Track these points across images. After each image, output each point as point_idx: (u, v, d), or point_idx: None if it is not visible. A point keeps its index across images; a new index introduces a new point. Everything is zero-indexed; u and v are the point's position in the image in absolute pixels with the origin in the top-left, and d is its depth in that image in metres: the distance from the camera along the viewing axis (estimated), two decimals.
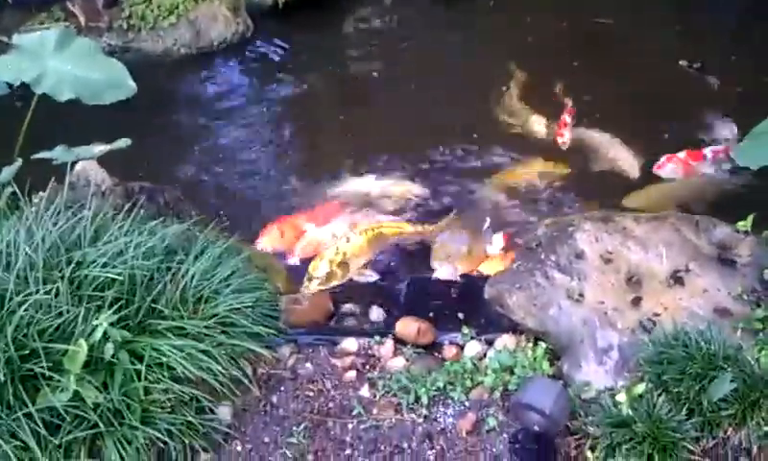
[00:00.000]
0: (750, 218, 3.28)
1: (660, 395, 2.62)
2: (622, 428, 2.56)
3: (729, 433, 2.59)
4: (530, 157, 4.53)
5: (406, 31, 5.67)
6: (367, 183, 4.37)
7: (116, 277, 2.76)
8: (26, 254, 2.74)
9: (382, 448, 2.85)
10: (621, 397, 2.61)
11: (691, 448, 2.54)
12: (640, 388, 2.63)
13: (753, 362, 2.66)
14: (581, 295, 3.10)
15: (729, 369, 2.59)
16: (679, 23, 5.63)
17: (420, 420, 2.93)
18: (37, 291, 2.64)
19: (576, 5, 5.78)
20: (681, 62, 5.19)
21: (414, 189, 4.36)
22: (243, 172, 4.61)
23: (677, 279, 3.13)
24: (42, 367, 2.51)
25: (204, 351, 2.80)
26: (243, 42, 5.54)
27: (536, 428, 2.65)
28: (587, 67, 5.18)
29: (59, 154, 3.19)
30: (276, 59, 5.53)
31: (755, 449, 2.59)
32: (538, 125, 4.76)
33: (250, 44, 5.57)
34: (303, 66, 5.40)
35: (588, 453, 2.67)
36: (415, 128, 4.77)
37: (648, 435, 2.52)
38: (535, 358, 3.04)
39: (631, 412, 2.56)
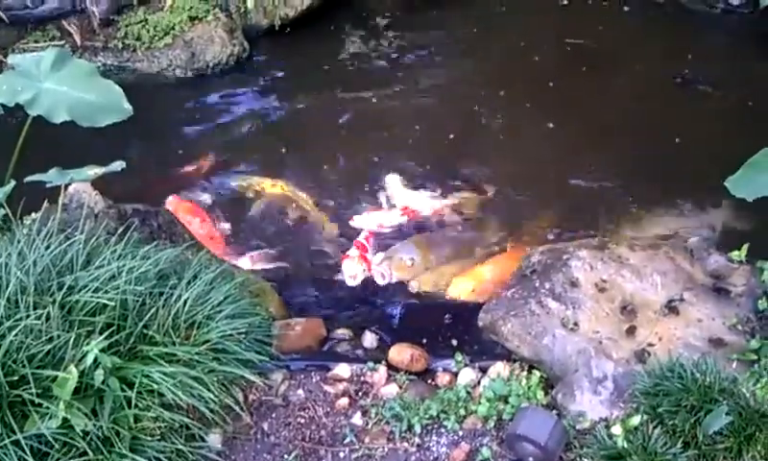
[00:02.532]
0: (744, 247, 3.29)
1: (655, 427, 2.60)
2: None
3: None
4: None
5: (402, 53, 5.68)
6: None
7: (108, 302, 2.73)
8: (17, 277, 2.71)
9: None
10: (617, 429, 2.60)
11: None
12: (636, 420, 2.62)
13: (748, 395, 2.64)
14: (575, 324, 3.08)
15: (724, 401, 2.58)
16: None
17: (413, 449, 2.90)
18: (28, 316, 2.60)
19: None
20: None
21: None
22: (237, 193, 4.59)
23: (671, 308, 3.13)
24: (31, 393, 2.47)
25: (195, 378, 2.76)
26: (239, 64, 5.54)
27: (531, 460, 2.63)
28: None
29: (52, 176, 3.16)
30: (272, 80, 5.54)
31: None
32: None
33: (246, 66, 5.57)
34: (300, 88, 5.40)
35: None
36: (409, 148, 4.77)
37: None
38: (529, 387, 3.02)
39: (626, 444, 2.55)
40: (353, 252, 4.13)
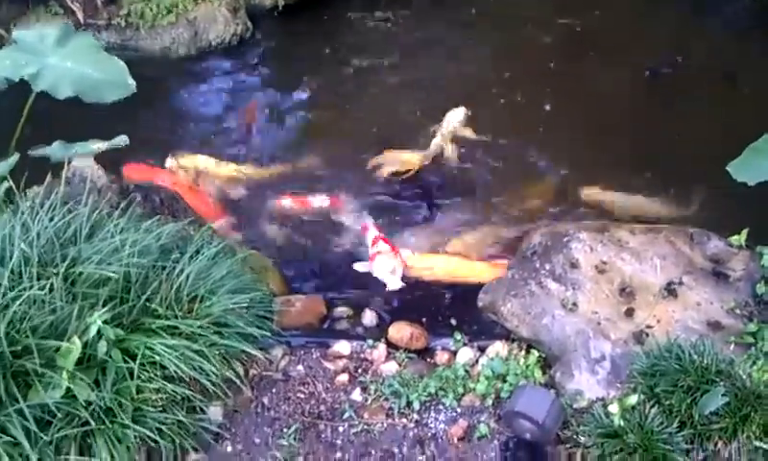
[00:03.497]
0: (744, 232, 3.31)
1: (651, 406, 2.63)
2: (614, 439, 2.57)
3: (719, 447, 2.60)
4: None
5: (404, 33, 5.67)
6: None
7: (111, 274, 2.75)
8: (21, 249, 2.72)
9: (373, 452, 2.86)
10: (613, 407, 2.62)
11: (682, 460, 2.55)
12: (632, 399, 2.64)
13: (745, 377, 2.67)
14: (575, 304, 3.11)
15: (721, 383, 2.60)
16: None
17: (412, 425, 2.93)
18: (32, 287, 2.62)
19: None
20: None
21: None
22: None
23: (670, 291, 3.15)
24: (35, 363, 2.50)
25: (197, 351, 2.79)
26: (242, 43, 5.53)
27: (528, 437, 2.66)
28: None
29: (56, 150, 3.17)
30: (275, 60, 5.53)
31: None
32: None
33: (248, 45, 5.55)
34: (301, 67, 5.39)
35: None
36: (405, 127, 4.79)
37: (639, 446, 2.53)
38: (527, 366, 3.05)
39: (622, 423, 2.57)
40: (383, 246, 3.77)
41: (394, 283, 3.64)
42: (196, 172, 4.38)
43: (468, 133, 4.65)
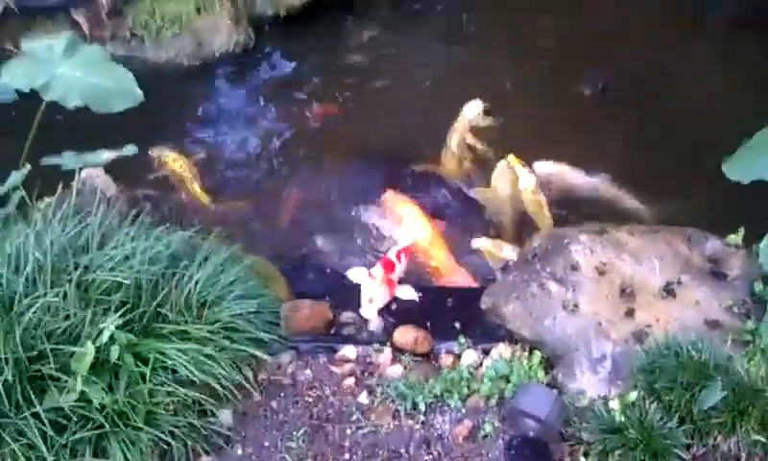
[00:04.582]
0: (740, 232, 3.37)
1: (651, 402, 2.69)
2: (615, 435, 2.63)
3: (718, 441, 2.66)
4: None
5: (407, 43, 5.74)
6: None
7: (123, 281, 2.82)
8: (35, 257, 2.80)
9: (380, 453, 2.91)
10: (614, 404, 2.68)
11: (682, 454, 2.61)
12: (633, 396, 2.70)
13: (742, 372, 2.73)
14: (576, 306, 3.16)
15: (719, 378, 2.65)
16: None
17: (418, 426, 2.99)
18: (46, 294, 2.70)
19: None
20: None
21: None
22: (241, 181, 4.68)
23: (669, 291, 3.21)
24: (50, 368, 2.57)
25: (207, 356, 2.85)
26: (245, 53, 5.59)
27: (531, 434, 2.72)
28: None
29: (67, 160, 3.24)
30: (277, 69, 5.60)
31: (743, 457, 2.66)
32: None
33: (251, 55, 5.62)
34: (304, 77, 5.47)
35: (582, 459, 2.74)
36: (410, 140, 4.86)
37: (640, 441, 2.58)
38: (530, 367, 3.11)
39: (623, 419, 2.63)
40: (377, 270, 3.57)
41: (367, 311, 3.50)
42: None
43: (489, 122, 4.75)
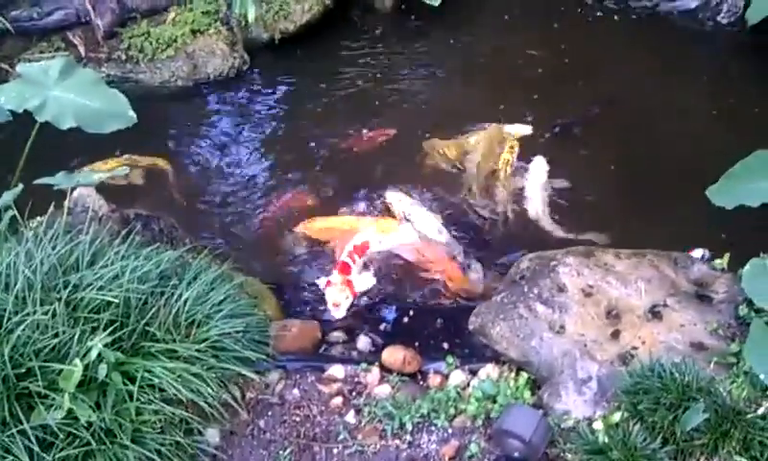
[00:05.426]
0: (726, 256, 3.40)
1: (635, 423, 2.70)
2: (599, 455, 2.64)
3: None
4: None
5: (400, 65, 5.81)
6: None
7: (112, 300, 2.84)
8: (25, 275, 2.82)
9: None
10: (598, 424, 2.70)
11: None
12: (616, 417, 2.72)
13: (725, 394, 2.75)
14: (562, 327, 3.19)
15: (702, 400, 2.67)
16: None
17: (404, 446, 3.01)
18: (35, 312, 2.72)
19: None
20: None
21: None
22: (234, 202, 4.71)
23: (655, 313, 3.23)
24: (38, 385, 2.58)
25: (195, 374, 2.87)
26: (239, 76, 5.65)
27: (516, 455, 2.73)
28: None
29: (60, 180, 3.27)
30: (272, 92, 5.65)
31: None
32: None
33: (246, 78, 5.68)
34: (298, 100, 5.52)
35: None
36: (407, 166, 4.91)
37: None
38: (517, 388, 3.13)
39: (607, 440, 2.65)
40: (336, 277, 3.86)
41: (337, 313, 3.80)
42: None
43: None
